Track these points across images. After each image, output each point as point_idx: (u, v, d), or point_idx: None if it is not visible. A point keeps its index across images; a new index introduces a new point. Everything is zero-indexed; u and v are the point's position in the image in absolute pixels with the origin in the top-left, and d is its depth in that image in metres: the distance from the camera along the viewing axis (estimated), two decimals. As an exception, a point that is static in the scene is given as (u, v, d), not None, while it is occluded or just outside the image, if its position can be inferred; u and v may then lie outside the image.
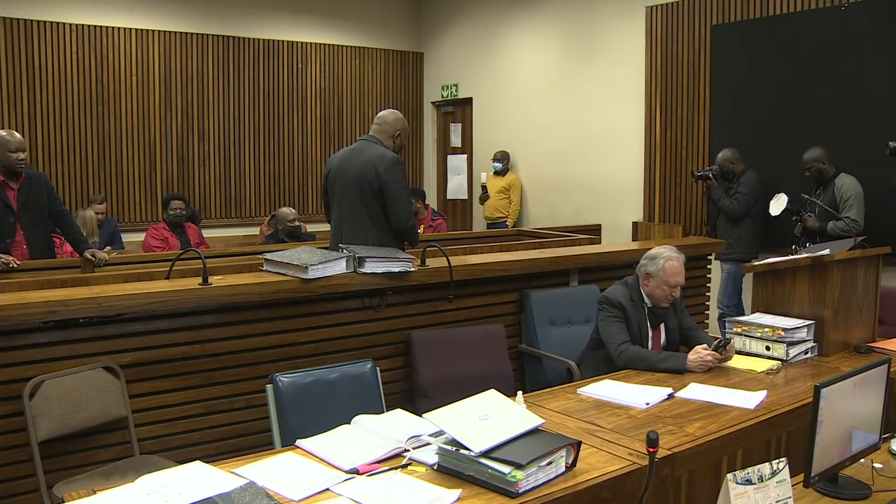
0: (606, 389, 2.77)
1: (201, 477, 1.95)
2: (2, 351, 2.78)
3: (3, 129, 5.21)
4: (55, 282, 3.27)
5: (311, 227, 6.66)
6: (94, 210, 6.52)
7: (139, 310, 2.99)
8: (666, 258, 3.26)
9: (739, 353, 3.23)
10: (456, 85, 8.87)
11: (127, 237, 6.96)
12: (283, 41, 8.25)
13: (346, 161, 3.84)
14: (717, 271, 5.36)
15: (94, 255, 4.33)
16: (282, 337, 3.35)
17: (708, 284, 4.92)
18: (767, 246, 5.38)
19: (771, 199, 5.15)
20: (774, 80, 5.70)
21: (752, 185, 5.50)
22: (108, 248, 6.28)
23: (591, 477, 2.01)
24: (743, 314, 5.20)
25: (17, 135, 4.40)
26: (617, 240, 6.56)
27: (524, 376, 3.98)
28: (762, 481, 1.80)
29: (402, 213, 3.72)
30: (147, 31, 7.46)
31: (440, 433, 2.06)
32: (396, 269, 3.47)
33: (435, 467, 2.03)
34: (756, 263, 3.57)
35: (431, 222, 6.89)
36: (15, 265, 3.98)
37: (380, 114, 3.98)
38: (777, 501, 1.81)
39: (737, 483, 1.77)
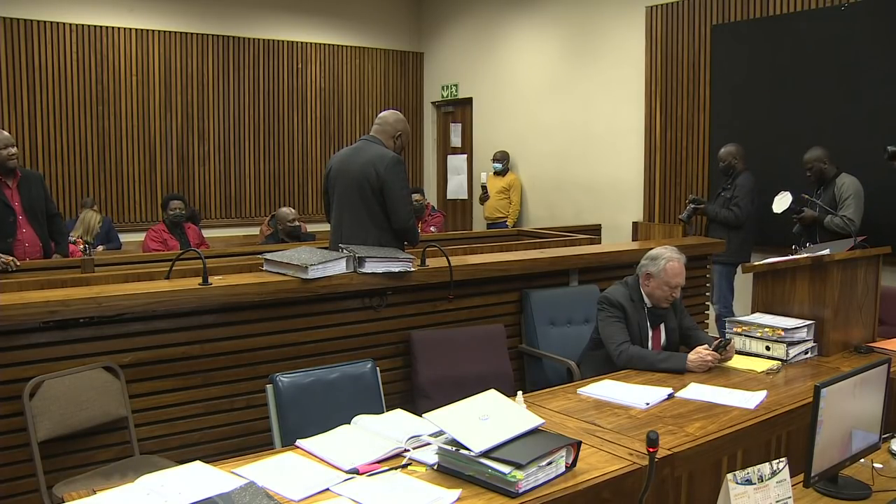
0: (606, 389, 2.77)
1: (201, 477, 1.95)
2: (2, 351, 2.78)
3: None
4: (55, 282, 3.27)
5: (311, 227, 6.66)
6: (92, 210, 6.52)
7: (139, 310, 2.99)
8: (667, 259, 3.26)
9: (739, 353, 3.23)
10: (456, 85, 8.87)
11: (127, 237, 6.97)
12: (283, 41, 8.26)
13: (346, 161, 3.84)
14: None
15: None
16: (282, 337, 3.35)
17: (708, 284, 4.92)
18: (767, 246, 5.37)
19: (775, 196, 5.13)
20: (774, 79, 5.70)
21: (748, 188, 5.43)
22: (100, 247, 6.30)
23: (591, 477, 2.01)
24: (732, 315, 5.18)
25: (5, 132, 4.44)
26: (617, 240, 6.56)
27: (524, 376, 3.98)
28: (762, 481, 1.80)
29: (402, 213, 3.71)
30: (147, 31, 7.46)
31: (440, 433, 2.06)
32: (396, 269, 3.47)
33: (435, 467, 2.03)
34: (756, 263, 3.57)
35: (428, 217, 6.89)
36: (15, 266, 3.98)
37: (381, 114, 3.98)
38: (777, 501, 1.81)
39: (737, 483, 1.77)
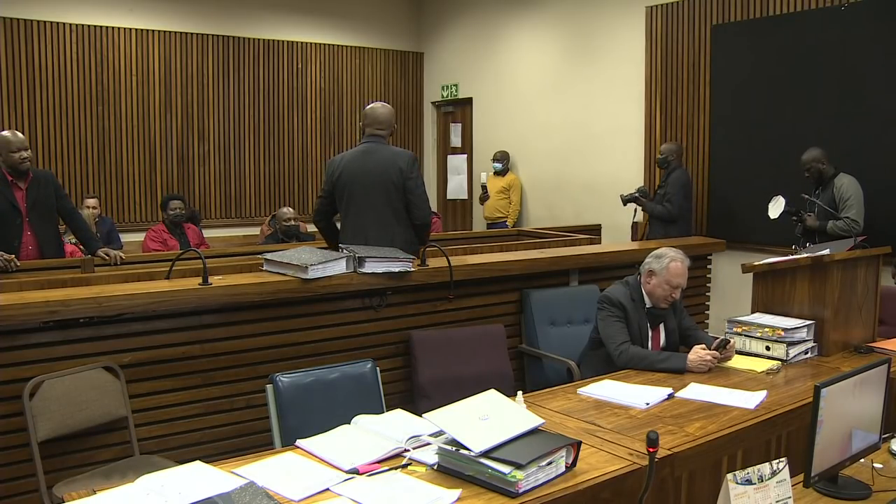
0: (606, 389, 2.77)
1: (201, 477, 1.95)
2: (2, 351, 2.78)
3: (6, 129, 5.22)
4: (55, 282, 3.27)
5: (311, 227, 6.66)
6: (86, 205, 6.51)
7: (139, 310, 2.99)
8: (671, 258, 3.26)
9: (739, 353, 3.23)
10: (456, 85, 8.87)
11: (127, 237, 6.96)
12: (283, 41, 8.25)
13: (359, 163, 3.78)
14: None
15: (107, 254, 4.31)
16: (282, 337, 3.35)
17: (708, 284, 4.92)
18: (767, 246, 5.37)
19: (768, 202, 5.13)
20: (774, 79, 5.70)
21: (679, 184, 5.74)
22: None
23: (591, 477, 2.01)
24: None
25: (20, 134, 4.41)
26: (617, 240, 6.56)
27: (524, 376, 3.98)
28: (762, 481, 1.80)
29: (425, 208, 3.84)
30: (147, 31, 7.46)
31: (440, 433, 2.06)
32: (396, 269, 3.47)
33: (435, 467, 2.03)
34: (756, 263, 3.57)
35: None
36: (16, 266, 3.98)
37: (373, 112, 3.87)
38: (777, 501, 1.81)
39: (737, 483, 1.77)
